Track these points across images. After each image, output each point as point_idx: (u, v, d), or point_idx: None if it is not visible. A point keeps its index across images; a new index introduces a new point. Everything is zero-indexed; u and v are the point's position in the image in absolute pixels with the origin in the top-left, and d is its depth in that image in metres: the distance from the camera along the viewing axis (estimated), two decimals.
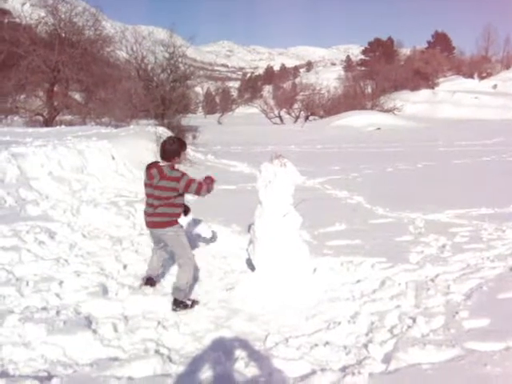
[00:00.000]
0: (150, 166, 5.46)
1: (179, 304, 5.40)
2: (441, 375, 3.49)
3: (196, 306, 5.44)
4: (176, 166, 5.43)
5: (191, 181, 5.31)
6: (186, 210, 5.81)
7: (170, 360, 4.14)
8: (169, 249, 5.81)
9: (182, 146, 5.47)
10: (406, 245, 7.27)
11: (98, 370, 3.91)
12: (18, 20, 31.94)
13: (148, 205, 5.48)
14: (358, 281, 5.86)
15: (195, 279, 5.93)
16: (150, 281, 5.81)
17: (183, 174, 5.30)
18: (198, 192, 5.35)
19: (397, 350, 3.96)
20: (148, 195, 5.46)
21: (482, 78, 73.38)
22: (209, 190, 5.48)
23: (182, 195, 5.45)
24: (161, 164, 5.36)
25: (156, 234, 5.60)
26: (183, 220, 5.97)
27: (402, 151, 22.63)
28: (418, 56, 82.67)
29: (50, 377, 3.75)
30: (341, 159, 19.72)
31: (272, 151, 6.12)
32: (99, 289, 5.58)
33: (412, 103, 59.35)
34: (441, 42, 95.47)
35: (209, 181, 5.52)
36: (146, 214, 5.51)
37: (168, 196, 5.30)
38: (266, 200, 5.72)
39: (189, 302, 5.47)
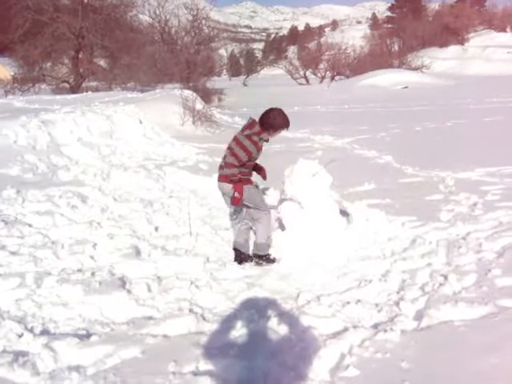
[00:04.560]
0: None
1: (262, 258, 5.53)
2: (473, 332, 3.48)
3: (228, 265, 5.44)
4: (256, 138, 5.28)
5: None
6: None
7: (204, 318, 4.21)
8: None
9: (284, 125, 5.33)
10: (436, 203, 7.17)
11: (135, 328, 4.02)
12: None
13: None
14: (389, 239, 5.84)
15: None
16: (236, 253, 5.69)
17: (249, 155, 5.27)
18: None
19: (428, 307, 3.96)
20: None
21: None
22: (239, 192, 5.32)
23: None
24: (252, 127, 5.30)
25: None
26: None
27: (430, 109, 22.13)
28: (447, 11, 79.76)
29: (88, 335, 3.89)
30: (368, 119, 19.41)
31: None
32: (132, 250, 5.70)
33: (441, 60, 57.46)
34: None
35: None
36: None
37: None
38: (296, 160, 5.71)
39: (272, 257, 5.56)
